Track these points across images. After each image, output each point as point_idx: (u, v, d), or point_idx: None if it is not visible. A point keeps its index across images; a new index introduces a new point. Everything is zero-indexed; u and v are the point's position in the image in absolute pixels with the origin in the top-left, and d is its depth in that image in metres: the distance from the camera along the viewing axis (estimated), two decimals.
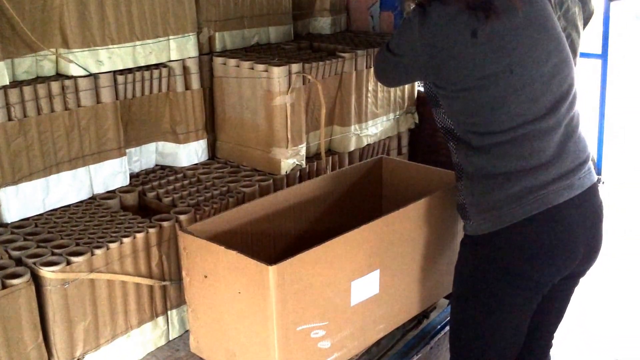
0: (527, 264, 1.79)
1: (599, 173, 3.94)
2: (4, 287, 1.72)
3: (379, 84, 2.96)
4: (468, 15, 1.73)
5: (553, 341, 2.09)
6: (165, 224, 2.08)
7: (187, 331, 2.14)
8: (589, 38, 2.74)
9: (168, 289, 2.12)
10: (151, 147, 2.59)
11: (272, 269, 1.73)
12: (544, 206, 1.76)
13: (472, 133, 1.82)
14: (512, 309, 1.85)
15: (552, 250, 1.78)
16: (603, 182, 4.08)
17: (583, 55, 2.70)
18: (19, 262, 1.85)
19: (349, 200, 2.52)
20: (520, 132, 1.76)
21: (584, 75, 1.85)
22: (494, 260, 1.82)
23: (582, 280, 1.98)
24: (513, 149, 1.77)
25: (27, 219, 2.14)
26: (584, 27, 2.54)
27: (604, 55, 3.97)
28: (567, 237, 1.79)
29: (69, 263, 1.85)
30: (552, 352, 2.13)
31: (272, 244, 2.27)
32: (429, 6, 1.77)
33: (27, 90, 2.08)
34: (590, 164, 1.88)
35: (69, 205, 2.24)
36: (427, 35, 1.78)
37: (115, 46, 2.31)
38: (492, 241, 1.81)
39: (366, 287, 2.00)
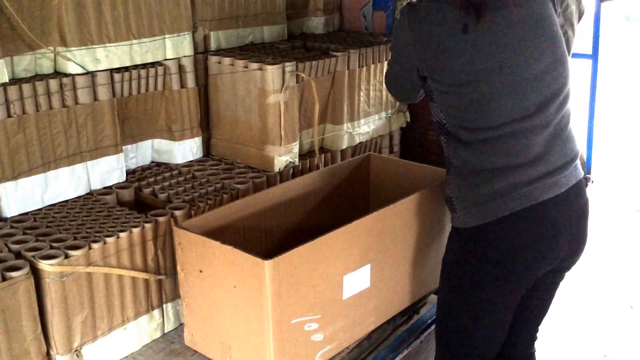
0: (510, 258, 1.82)
1: (588, 172, 3.98)
2: (4, 279, 1.76)
3: (371, 82, 2.99)
4: (459, 11, 1.75)
5: (537, 334, 2.12)
6: (160, 219, 2.11)
7: (182, 324, 2.17)
8: (579, 38, 2.77)
9: (163, 282, 2.16)
10: (147, 144, 2.62)
11: (267, 264, 1.75)
12: (529, 202, 1.78)
13: (461, 128, 1.84)
14: (495, 301, 1.88)
15: (535, 245, 1.81)
16: (592, 181, 4.12)
17: (574, 55, 2.73)
18: (18, 255, 1.89)
19: (337, 196, 2.55)
20: (508, 130, 1.78)
21: (574, 75, 1.87)
22: (478, 253, 1.85)
23: (570, 277, 2.01)
24: (500, 146, 1.79)
25: (26, 213, 2.17)
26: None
27: (594, 56, 4.01)
28: (551, 233, 1.82)
29: (67, 256, 1.88)
30: (541, 347, 2.16)
31: (263, 238, 2.31)
32: (419, 2, 1.81)
33: (26, 87, 2.11)
34: (578, 161, 1.89)
35: (67, 201, 2.28)
36: (417, 29, 1.82)
37: (112, 45, 2.35)
38: (478, 235, 1.84)
39: (358, 281, 2.04)
